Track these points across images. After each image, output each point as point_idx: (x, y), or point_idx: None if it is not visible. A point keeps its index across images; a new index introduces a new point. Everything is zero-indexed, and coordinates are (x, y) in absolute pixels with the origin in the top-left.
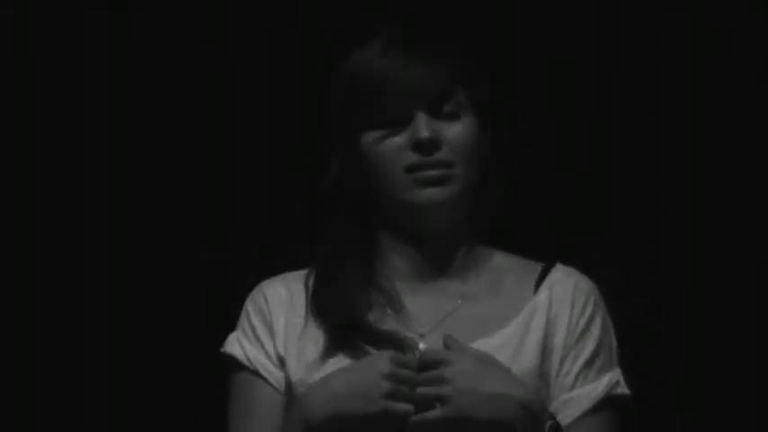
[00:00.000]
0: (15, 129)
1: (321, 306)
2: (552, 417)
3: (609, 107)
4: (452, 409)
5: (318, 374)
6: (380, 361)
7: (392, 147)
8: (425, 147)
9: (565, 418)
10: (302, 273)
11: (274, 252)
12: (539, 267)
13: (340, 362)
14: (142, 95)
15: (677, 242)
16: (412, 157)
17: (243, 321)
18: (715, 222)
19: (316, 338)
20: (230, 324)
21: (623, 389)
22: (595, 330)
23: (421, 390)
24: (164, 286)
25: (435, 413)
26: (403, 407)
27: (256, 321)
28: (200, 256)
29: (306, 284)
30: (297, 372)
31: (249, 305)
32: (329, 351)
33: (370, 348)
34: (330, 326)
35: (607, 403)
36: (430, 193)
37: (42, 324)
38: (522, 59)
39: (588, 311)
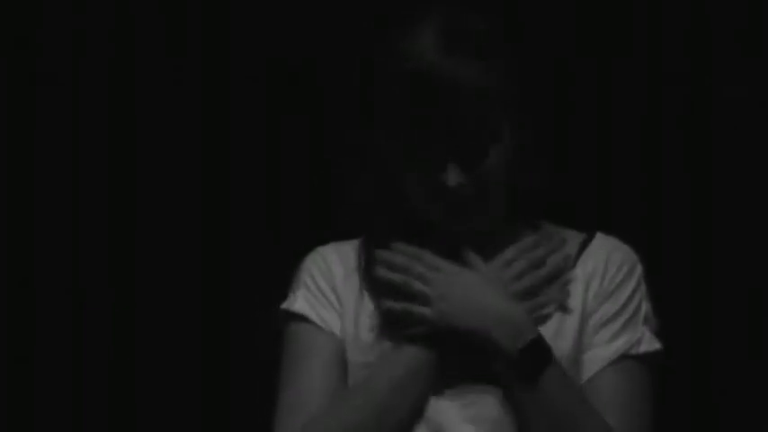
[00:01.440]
0: (15, 128)
1: (377, 288)
2: (538, 333)
3: (609, 107)
4: (433, 313)
5: (373, 357)
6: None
7: (420, 175)
8: (453, 192)
9: (582, 379)
10: (354, 242)
11: (274, 251)
12: (580, 240)
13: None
14: (143, 95)
15: (677, 242)
16: (439, 193)
17: (306, 280)
18: (715, 222)
19: (372, 319)
20: (230, 324)
21: (649, 345)
22: (622, 293)
23: (415, 284)
24: (164, 286)
25: (422, 310)
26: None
27: (321, 282)
28: (199, 255)
29: (358, 255)
30: (353, 352)
31: (311, 266)
32: (384, 333)
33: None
34: (386, 311)
35: (628, 360)
36: (460, 227)
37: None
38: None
39: (618, 278)
